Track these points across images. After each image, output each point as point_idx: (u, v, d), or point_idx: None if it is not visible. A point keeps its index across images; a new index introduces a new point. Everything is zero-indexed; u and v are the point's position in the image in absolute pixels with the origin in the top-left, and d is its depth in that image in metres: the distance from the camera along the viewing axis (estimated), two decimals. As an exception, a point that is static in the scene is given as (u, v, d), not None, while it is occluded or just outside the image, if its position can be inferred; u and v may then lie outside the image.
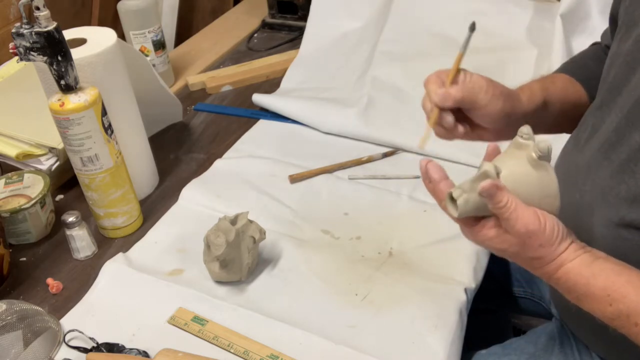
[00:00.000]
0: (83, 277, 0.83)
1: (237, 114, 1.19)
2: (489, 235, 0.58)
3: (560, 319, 0.85)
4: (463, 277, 0.80)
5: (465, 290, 0.78)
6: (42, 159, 0.95)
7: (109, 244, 0.89)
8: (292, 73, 1.28)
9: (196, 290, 0.79)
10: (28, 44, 0.73)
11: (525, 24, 1.24)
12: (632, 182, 0.60)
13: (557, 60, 1.12)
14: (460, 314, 0.75)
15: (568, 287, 0.58)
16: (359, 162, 1.02)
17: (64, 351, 0.72)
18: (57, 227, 0.92)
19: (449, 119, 0.67)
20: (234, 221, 0.78)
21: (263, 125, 1.14)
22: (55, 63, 0.74)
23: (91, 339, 0.72)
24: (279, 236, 0.87)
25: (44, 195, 0.88)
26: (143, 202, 0.96)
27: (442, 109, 0.66)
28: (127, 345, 0.71)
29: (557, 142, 0.98)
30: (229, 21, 1.59)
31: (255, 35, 1.51)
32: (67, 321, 0.76)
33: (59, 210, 0.92)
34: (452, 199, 0.59)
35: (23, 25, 0.73)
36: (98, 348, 0.71)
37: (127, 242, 0.89)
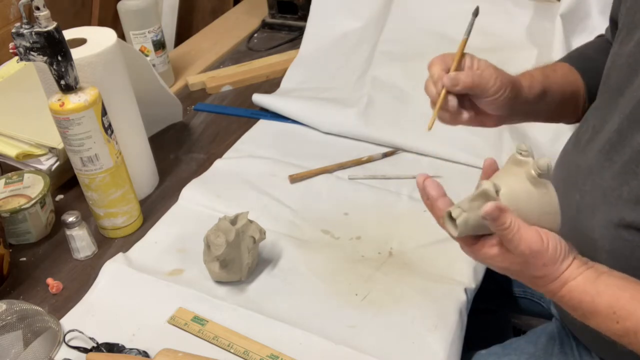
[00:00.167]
0: (83, 277, 0.83)
1: (237, 114, 1.19)
2: (490, 254, 0.58)
3: (560, 319, 0.85)
4: (463, 277, 0.80)
5: (465, 290, 0.78)
6: (42, 159, 0.95)
7: (109, 244, 0.89)
8: (292, 73, 1.28)
9: (196, 290, 0.79)
10: (28, 44, 0.73)
11: (525, 24, 1.24)
12: (634, 183, 0.60)
13: (556, 60, 1.12)
14: (460, 314, 0.75)
15: (573, 305, 0.57)
16: (359, 162, 1.02)
17: (64, 351, 0.72)
18: (57, 227, 0.92)
19: (453, 102, 0.67)
20: (234, 221, 0.78)
21: (263, 125, 1.14)
22: (55, 63, 0.74)
23: (91, 339, 0.72)
24: (279, 236, 0.87)
25: (44, 195, 0.88)
26: (143, 202, 0.96)
27: (448, 93, 0.67)
28: (127, 345, 0.71)
29: (557, 141, 0.99)
30: (229, 21, 1.59)
31: (255, 35, 1.51)
32: (67, 321, 0.76)
33: (59, 210, 0.92)
34: (451, 218, 0.58)
35: (23, 25, 0.73)
36: (98, 348, 0.71)
37: (127, 242, 0.89)
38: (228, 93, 1.28)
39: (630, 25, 0.67)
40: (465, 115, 0.70)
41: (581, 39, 1.16)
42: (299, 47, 1.35)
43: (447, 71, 0.68)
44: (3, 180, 0.91)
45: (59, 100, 0.77)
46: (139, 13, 1.20)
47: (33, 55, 0.74)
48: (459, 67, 0.68)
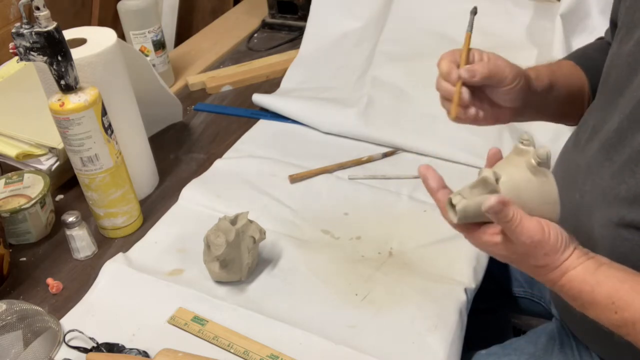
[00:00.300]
0: (83, 277, 0.83)
1: (237, 114, 1.19)
2: (491, 242, 0.58)
3: (560, 319, 0.85)
4: (463, 277, 0.80)
5: (465, 290, 0.78)
6: (42, 159, 0.95)
7: (109, 244, 0.89)
8: (292, 73, 1.28)
9: (196, 290, 0.79)
10: (28, 44, 0.73)
11: (525, 24, 1.24)
12: (633, 182, 0.60)
13: (557, 59, 1.12)
14: (460, 314, 0.75)
15: (572, 294, 0.58)
16: (359, 162, 1.02)
17: (64, 351, 0.72)
18: (57, 227, 0.92)
19: (466, 95, 0.67)
20: (234, 221, 0.78)
21: (263, 125, 1.14)
22: (55, 63, 0.74)
23: (91, 339, 0.72)
24: (279, 236, 0.87)
25: (44, 195, 0.88)
26: (143, 202, 0.96)
27: (463, 85, 0.67)
28: (127, 345, 0.71)
29: (557, 141, 0.99)
30: (229, 21, 1.59)
31: (255, 35, 1.51)
32: (67, 321, 0.76)
33: (59, 210, 0.92)
34: (452, 205, 0.58)
35: (23, 25, 0.73)
36: (98, 348, 0.71)
37: (127, 242, 0.89)
38: (228, 93, 1.28)
39: (630, 24, 0.67)
40: (481, 113, 0.69)
41: (581, 39, 1.16)
42: (299, 47, 1.35)
43: (457, 66, 0.68)
44: (3, 180, 0.91)
45: (59, 100, 0.77)
46: (139, 13, 1.20)
47: (33, 55, 0.74)
48: (468, 61, 0.68)
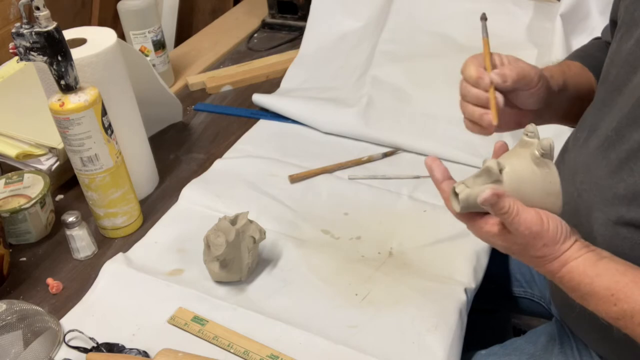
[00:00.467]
0: (83, 277, 0.83)
1: (237, 114, 1.19)
2: (491, 232, 0.59)
3: (560, 319, 0.85)
4: (463, 277, 0.80)
5: (465, 290, 0.78)
6: (42, 159, 0.95)
7: (109, 244, 0.89)
8: (292, 73, 1.28)
9: (196, 290, 0.79)
10: (28, 44, 0.73)
11: (525, 24, 1.24)
12: (631, 181, 0.60)
13: (557, 60, 1.12)
14: (460, 314, 0.75)
15: (572, 285, 0.58)
16: (359, 162, 1.02)
17: (64, 351, 0.72)
18: (57, 227, 0.92)
19: (501, 99, 0.64)
20: (234, 221, 0.78)
21: (263, 125, 1.14)
22: (55, 63, 0.74)
23: (91, 339, 0.72)
24: (279, 236, 0.87)
25: (44, 195, 0.88)
26: (143, 202, 0.96)
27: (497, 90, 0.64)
28: (127, 345, 0.71)
29: (557, 140, 0.99)
30: (229, 21, 1.59)
31: (255, 35, 1.51)
32: (67, 321, 0.76)
33: (59, 210, 0.92)
34: (456, 195, 0.59)
35: (23, 25, 0.73)
36: (98, 348, 0.71)
37: (127, 242, 0.89)
38: (228, 93, 1.28)
39: (630, 23, 0.67)
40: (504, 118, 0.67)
41: (581, 39, 1.16)
42: (299, 47, 1.35)
43: (483, 68, 0.66)
44: (3, 180, 0.91)
45: (59, 100, 0.77)
46: (139, 13, 1.20)
47: (33, 55, 0.74)
48: (491, 66, 0.66)
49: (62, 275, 0.84)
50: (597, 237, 0.64)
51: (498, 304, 1.06)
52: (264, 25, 1.53)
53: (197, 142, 1.12)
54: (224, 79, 1.29)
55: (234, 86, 1.29)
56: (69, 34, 0.85)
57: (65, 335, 0.73)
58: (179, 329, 0.74)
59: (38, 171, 0.93)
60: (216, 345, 0.72)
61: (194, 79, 1.30)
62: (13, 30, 0.73)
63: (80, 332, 0.73)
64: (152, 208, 0.95)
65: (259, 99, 1.17)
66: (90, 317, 0.76)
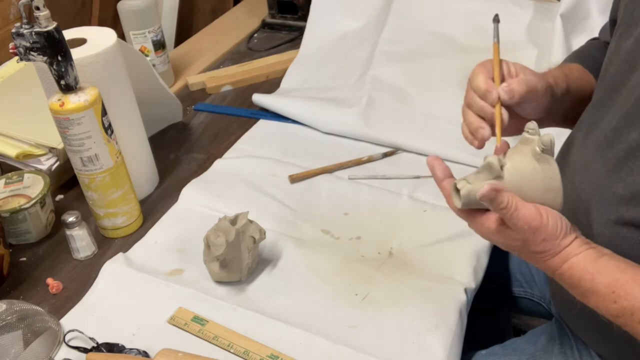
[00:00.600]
0: (83, 277, 0.83)
1: (237, 114, 1.19)
2: (491, 229, 0.59)
3: (560, 317, 0.85)
4: (463, 277, 0.80)
5: (465, 290, 0.78)
6: (42, 159, 0.95)
7: (109, 244, 0.89)
8: (292, 73, 1.28)
9: (196, 290, 0.79)
10: (28, 44, 0.73)
11: (525, 24, 1.24)
12: (630, 180, 0.60)
13: (557, 60, 1.12)
14: (460, 314, 0.75)
15: (573, 282, 0.58)
16: (359, 162, 1.02)
17: (64, 351, 0.72)
18: (57, 227, 0.92)
19: (506, 116, 0.64)
20: (234, 221, 0.78)
21: (263, 125, 1.14)
22: (55, 63, 0.74)
23: (91, 339, 0.72)
24: (279, 236, 0.87)
25: (44, 195, 0.88)
26: (143, 202, 0.96)
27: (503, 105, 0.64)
28: (127, 345, 0.71)
29: (557, 141, 0.99)
30: (229, 21, 1.59)
31: (255, 35, 1.51)
32: (67, 321, 0.76)
33: (59, 210, 0.92)
34: (457, 191, 0.60)
35: (23, 25, 0.73)
36: (98, 348, 0.71)
37: (127, 242, 0.89)
38: (228, 93, 1.28)
39: (629, 21, 0.66)
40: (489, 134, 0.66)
41: (581, 39, 1.16)
42: (299, 47, 1.35)
43: (492, 80, 0.65)
44: (3, 180, 0.91)
45: (59, 100, 0.77)
46: (139, 13, 1.20)
47: (33, 55, 0.74)
48: (503, 77, 0.66)
49: (62, 275, 0.84)
50: (596, 237, 0.64)
51: (498, 304, 1.06)
52: (264, 25, 1.53)
53: (197, 142, 1.12)
54: (224, 79, 1.29)
55: (234, 86, 1.29)
56: (69, 34, 0.85)
57: (65, 335, 0.73)
58: (179, 329, 0.74)
59: (38, 171, 0.93)
60: (216, 345, 0.72)
61: (194, 79, 1.30)
62: (13, 30, 0.73)
63: (80, 332, 0.73)
64: (152, 208, 0.95)
65: (259, 99, 1.17)
66: (90, 317, 0.76)
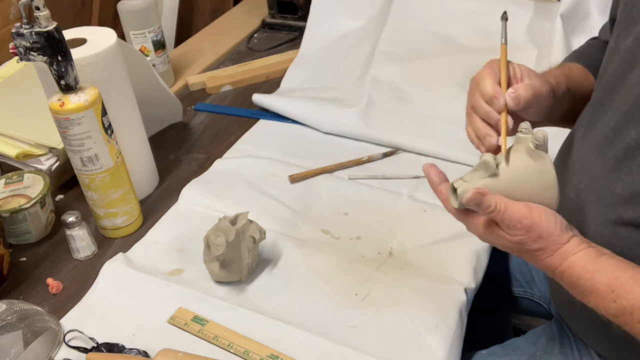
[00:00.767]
0: (83, 277, 0.83)
1: (237, 114, 1.19)
2: (488, 229, 0.59)
3: (560, 317, 0.85)
4: (463, 277, 0.80)
5: (465, 290, 0.78)
6: (42, 159, 0.95)
7: (109, 244, 0.89)
8: (292, 73, 1.28)
9: (196, 290, 0.79)
10: (28, 44, 0.73)
11: (525, 24, 1.24)
12: (629, 180, 0.60)
13: (557, 60, 1.12)
14: (460, 314, 0.75)
15: (572, 281, 0.58)
16: (359, 162, 1.02)
17: (64, 351, 0.72)
18: (57, 227, 0.92)
19: (510, 124, 0.64)
20: (234, 221, 0.78)
21: (263, 125, 1.14)
22: (55, 63, 0.74)
23: (91, 339, 0.72)
24: (279, 236, 0.87)
25: (44, 195, 0.88)
26: (143, 202, 0.96)
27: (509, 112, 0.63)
28: (127, 345, 0.71)
29: (556, 141, 0.99)
30: (229, 21, 1.59)
31: (255, 35, 1.51)
32: (67, 321, 0.76)
33: (59, 210, 0.92)
34: (454, 192, 0.60)
35: (23, 25, 0.73)
36: (98, 348, 0.71)
37: (127, 242, 0.89)
38: (228, 93, 1.28)
39: (628, 20, 0.66)
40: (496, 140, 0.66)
41: (581, 39, 1.16)
42: (299, 47, 1.35)
43: (498, 84, 0.64)
44: (3, 180, 0.91)
45: (59, 100, 0.77)
46: (139, 13, 1.20)
47: (33, 55, 0.74)
48: (508, 80, 0.65)
49: (62, 275, 0.84)
50: (595, 237, 0.64)
51: (498, 304, 1.06)
52: (264, 25, 1.53)
53: (197, 142, 1.12)
54: (224, 79, 1.29)
55: (234, 86, 1.29)
56: (69, 34, 0.85)
57: (65, 335, 0.73)
58: (179, 329, 0.74)
59: (38, 171, 0.93)
60: (216, 345, 0.72)
61: (194, 79, 1.30)
62: (13, 30, 0.73)
63: (80, 332, 0.73)
64: (152, 208, 0.95)
65: (259, 99, 1.17)
66: (90, 317, 0.76)
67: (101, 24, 1.56)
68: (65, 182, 1.01)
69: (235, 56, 1.42)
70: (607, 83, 0.67)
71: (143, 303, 0.77)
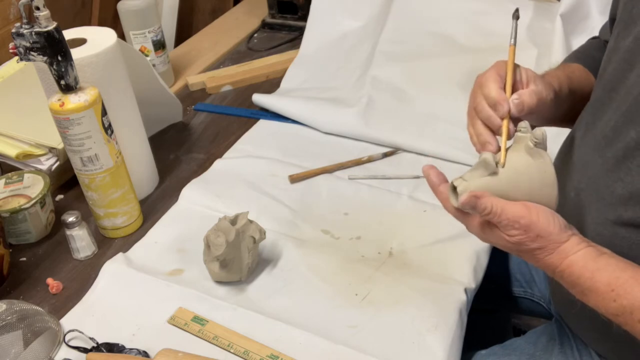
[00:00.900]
0: (83, 277, 0.83)
1: (237, 114, 1.19)
2: (487, 230, 0.59)
3: (560, 317, 0.85)
4: (463, 277, 0.80)
5: (465, 290, 0.78)
6: (42, 159, 0.95)
7: (109, 244, 0.89)
8: (292, 73, 1.28)
9: (196, 290, 0.79)
10: (28, 44, 0.73)
11: (525, 24, 1.24)
12: (629, 180, 0.60)
13: (557, 59, 1.12)
14: (460, 314, 0.75)
15: (572, 280, 0.58)
16: (359, 162, 1.02)
17: (64, 351, 0.72)
18: (57, 227, 0.92)
19: (512, 131, 0.63)
20: (234, 221, 0.78)
21: (263, 125, 1.14)
22: (55, 63, 0.74)
23: (91, 339, 0.72)
24: (279, 236, 0.87)
25: (44, 195, 0.88)
26: (143, 202, 0.96)
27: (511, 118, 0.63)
28: (127, 345, 0.71)
29: (556, 141, 0.99)
30: (229, 21, 1.59)
31: (255, 35, 1.51)
32: (67, 321, 0.76)
33: (59, 210, 0.92)
34: (454, 191, 0.60)
35: (23, 25, 0.73)
36: (98, 348, 0.71)
37: (127, 242, 0.89)
38: (228, 93, 1.28)
39: (628, 20, 0.66)
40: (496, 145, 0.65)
41: (581, 39, 1.16)
42: (299, 47, 1.35)
43: (503, 88, 0.64)
44: (3, 180, 0.91)
45: (59, 100, 0.77)
46: (139, 13, 1.20)
47: (33, 55, 0.74)
48: (514, 83, 0.64)
49: (62, 275, 0.84)
50: (595, 237, 0.64)
51: (498, 304, 1.06)
52: (264, 25, 1.53)
53: (197, 142, 1.12)
54: (224, 79, 1.29)
55: (234, 86, 1.29)
56: (69, 34, 0.85)
57: (65, 335, 0.73)
58: (179, 329, 0.74)
59: (38, 171, 0.93)
60: (216, 345, 0.72)
61: (194, 79, 1.30)
62: (13, 30, 0.73)
63: (80, 332, 0.73)
64: (152, 208, 0.95)
65: (259, 99, 1.17)
66: (90, 317, 0.76)
67: (101, 24, 1.56)
68: (65, 182, 1.01)
69: (235, 56, 1.42)
70: (606, 83, 0.67)
71: (143, 303, 0.77)
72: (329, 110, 1.12)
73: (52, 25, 0.73)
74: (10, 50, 0.74)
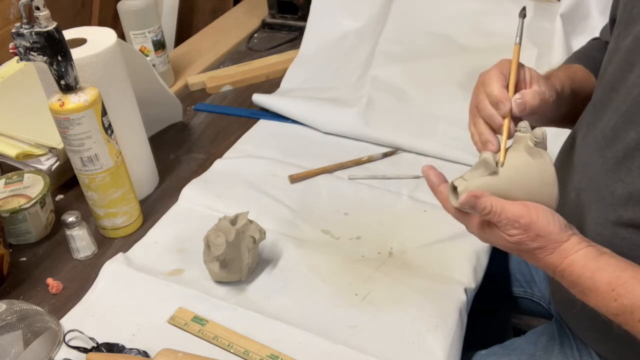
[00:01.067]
0: (83, 277, 0.83)
1: (237, 114, 1.19)
2: (487, 229, 0.59)
3: (560, 317, 0.85)
4: (463, 277, 0.80)
5: (465, 290, 0.78)
6: (42, 159, 0.95)
7: (109, 244, 0.89)
8: (292, 73, 1.28)
9: (196, 290, 0.79)
10: (28, 44, 0.73)
11: (526, 24, 1.24)
12: (629, 180, 0.60)
13: (557, 60, 1.12)
14: (460, 314, 0.75)
15: (573, 280, 0.58)
16: (359, 162, 1.02)
17: (64, 351, 0.72)
18: (57, 227, 0.92)
19: (513, 130, 0.63)
20: (234, 221, 0.78)
21: (263, 125, 1.14)
22: (55, 63, 0.74)
23: (91, 339, 0.72)
24: (279, 236, 0.87)
25: (44, 195, 0.88)
26: (143, 202, 0.96)
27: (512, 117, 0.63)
28: (127, 345, 0.71)
29: (556, 141, 0.99)
30: (229, 21, 1.60)
31: (255, 35, 1.51)
32: (67, 321, 0.76)
33: (59, 210, 0.92)
34: (455, 191, 0.60)
35: (23, 25, 0.73)
36: (98, 348, 0.71)
37: (127, 242, 0.89)
38: (228, 93, 1.28)
39: (628, 20, 0.66)
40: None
41: (581, 39, 1.16)
42: (299, 47, 1.35)
43: (506, 87, 0.64)
44: (3, 180, 0.91)
45: (59, 100, 0.77)
46: (139, 13, 1.20)
47: (33, 55, 0.74)
48: (517, 83, 0.64)
49: (62, 275, 0.84)
50: (595, 237, 0.64)
51: (498, 304, 1.06)
52: (264, 25, 1.53)
53: (197, 142, 1.12)
54: (224, 79, 1.29)
55: (234, 86, 1.29)
56: (69, 34, 0.85)
57: (65, 335, 0.73)
58: (179, 329, 0.74)
59: (38, 171, 0.93)
60: (216, 345, 0.72)
61: (194, 79, 1.30)
62: (13, 30, 0.73)
63: (80, 332, 0.73)
64: (152, 208, 0.95)
65: (259, 99, 1.17)
66: (90, 317, 0.76)
67: (101, 24, 1.56)
68: (65, 182, 1.01)
69: (235, 56, 1.42)
70: (607, 83, 0.67)
71: (143, 303, 0.77)
72: (329, 110, 1.12)
73: (52, 25, 0.73)
74: (10, 50, 0.74)
